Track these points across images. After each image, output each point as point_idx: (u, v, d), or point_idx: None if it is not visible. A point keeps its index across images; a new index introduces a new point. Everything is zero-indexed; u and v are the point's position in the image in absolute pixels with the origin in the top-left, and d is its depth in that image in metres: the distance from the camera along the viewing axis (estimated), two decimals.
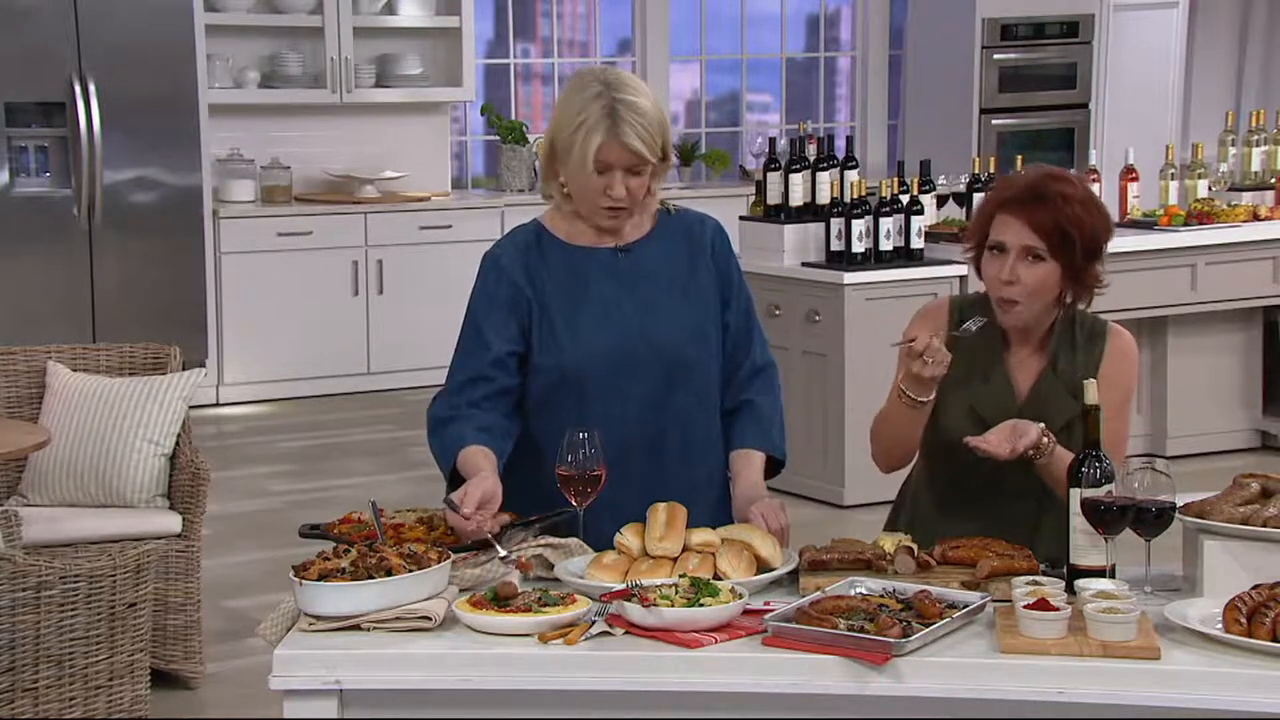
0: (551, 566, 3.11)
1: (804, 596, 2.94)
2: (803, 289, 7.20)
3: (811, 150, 7.44)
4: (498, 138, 10.42)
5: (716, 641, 2.78)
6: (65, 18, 8.53)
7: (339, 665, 2.78)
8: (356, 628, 2.85)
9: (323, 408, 9.30)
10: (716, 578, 3.00)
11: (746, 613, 2.86)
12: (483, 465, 3.21)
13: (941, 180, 7.59)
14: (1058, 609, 2.77)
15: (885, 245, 7.14)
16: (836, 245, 7.14)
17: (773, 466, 3.46)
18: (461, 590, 3.00)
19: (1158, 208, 7.84)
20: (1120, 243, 7.31)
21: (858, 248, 7.09)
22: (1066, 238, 3.32)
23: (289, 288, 9.40)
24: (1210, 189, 7.99)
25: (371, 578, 2.86)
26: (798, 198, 7.32)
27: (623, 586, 2.89)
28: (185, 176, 8.94)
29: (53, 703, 4.03)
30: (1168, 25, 10.84)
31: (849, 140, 8.42)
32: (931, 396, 3.31)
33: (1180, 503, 3.03)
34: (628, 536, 3.11)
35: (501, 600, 2.86)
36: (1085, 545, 3.01)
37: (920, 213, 7.21)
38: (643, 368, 3.35)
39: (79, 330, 8.51)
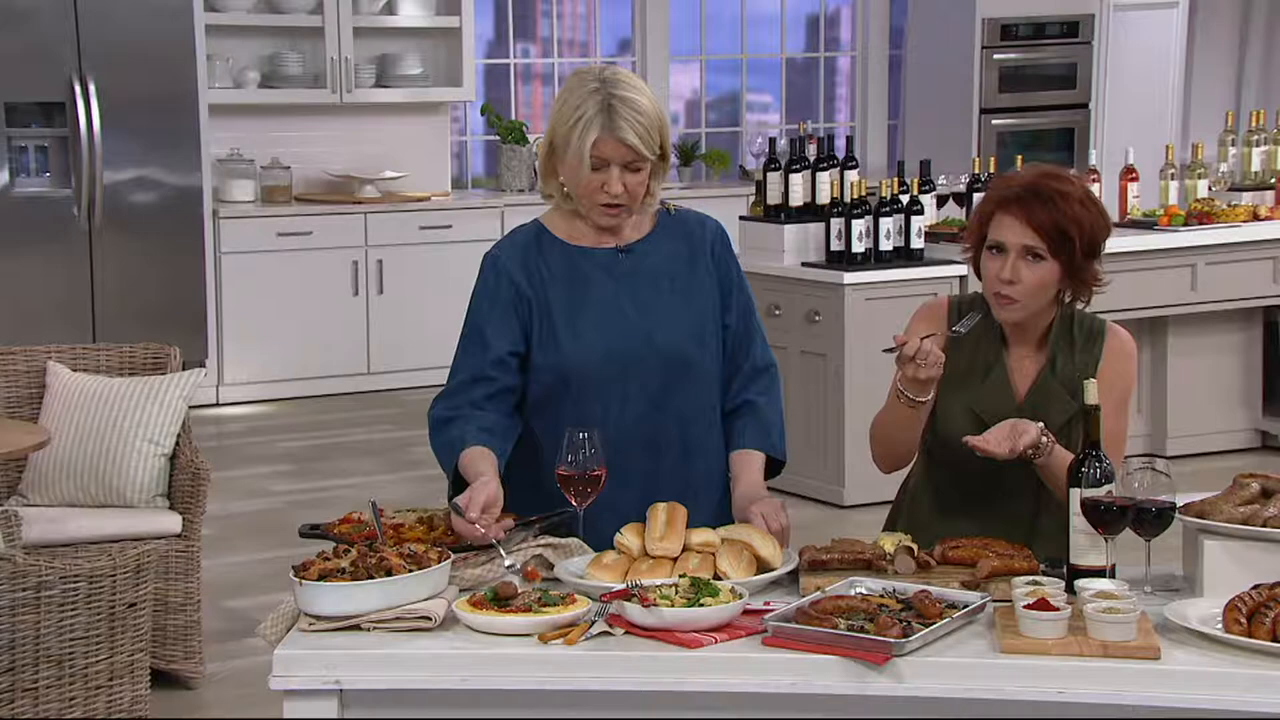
0: (551, 566, 3.11)
1: (804, 596, 2.94)
2: (803, 289, 7.20)
3: (811, 150, 7.44)
4: (498, 138, 10.42)
5: (716, 641, 2.78)
6: (65, 18, 8.53)
7: (339, 665, 2.78)
8: (356, 628, 2.85)
9: (323, 408, 9.30)
10: (716, 578, 3.00)
11: (746, 613, 2.86)
12: (484, 468, 3.21)
13: (941, 180, 7.59)
14: (1058, 609, 2.77)
15: (885, 245, 7.14)
16: (836, 245, 7.14)
17: (773, 467, 3.46)
18: (461, 590, 3.00)
19: (1158, 208, 7.84)
20: (1120, 243, 7.32)
21: (858, 248, 7.09)
22: (1065, 236, 3.32)
23: (289, 288, 9.40)
24: (1210, 189, 7.99)
25: (371, 578, 2.86)
26: (798, 198, 7.32)
27: (623, 586, 2.89)
28: (185, 176, 8.94)
29: (53, 703, 4.03)
30: (1168, 25, 10.85)
31: (849, 140, 8.42)
32: (930, 396, 3.31)
33: (1180, 503, 3.03)
34: (628, 536, 3.12)
35: (501, 600, 2.86)
36: (1085, 545, 3.01)
37: (920, 213, 7.21)
38: (643, 368, 3.35)
39: (79, 330, 8.51)
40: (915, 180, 7.35)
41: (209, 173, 9.13)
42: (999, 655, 2.74)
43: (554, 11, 11.04)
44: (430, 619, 2.85)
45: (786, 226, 7.30)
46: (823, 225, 7.22)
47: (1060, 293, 3.41)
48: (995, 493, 3.42)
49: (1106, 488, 2.98)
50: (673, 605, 2.81)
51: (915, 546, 3.13)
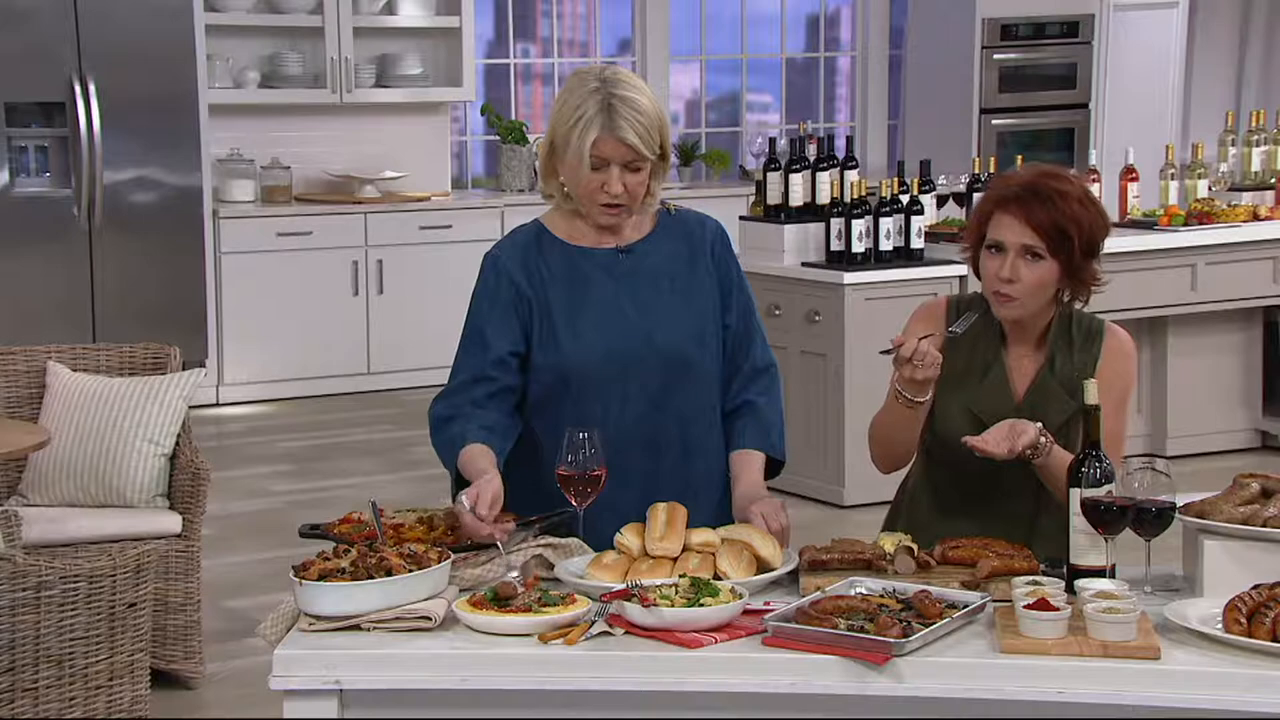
0: (551, 566, 3.11)
1: (804, 596, 2.94)
2: (803, 289, 7.20)
3: (811, 150, 7.44)
4: (498, 138, 10.42)
5: (716, 641, 2.78)
6: (65, 18, 8.53)
7: (339, 665, 2.78)
8: (356, 628, 2.85)
9: (323, 408, 9.30)
10: (716, 578, 3.00)
11: (746, 613, 2.86)
12: (485, 465, 3.22)
13: (941, 180, 7.59)
14: (1058, 609, 2.77)
15: (885, 245, 7.14)
16: (836, 245, 7.14)
17: (772, 467, 3.46)
18: (461, 590, 3.00)
19: (1158, 208, 7.84)
20: (1120, 243, 7.32)
21: (858, 248, 7.09)
22: (1064, 236, 3.32)
23: (289, 288, 9.40)
24: (1210, 189, 7.99)
25: (371, 578, 2.86)
26: (798, 198, 7.32)
27: (623, 586, 2.89)
28: (185, 176, 8.94)
29: (53, 703, 4.03)
30: (1168, 25, 10.85)
31: (849, 140, 8.42)
32: (928, 397, 3.31)
33: (1180, 503, 3.03)
34: (628, 536, 3.12)
35: (501, 600, 2.86)
36: (1085, 545, 3.01)
37: (920, 213, 7.21)
38: (643, 368, 3.35)
39: (79, 330, 8.51)
40: (915, 180, 7.35)
41: (209, 173, 9.13)
42: (999, 655, 2.74)
43: (554, 11, 11.04)
44: (430, 619, 2.85)
45: (786, 226, 7.30)
46: (823, 225, 7.22)
47: (1059, 292, 3.41)
48: (994, 493, 3.42)
49: (1106, 488, 2.98)
50: (673, 605, 2.81)
51: (915, 546, 3.14)
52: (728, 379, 3.46)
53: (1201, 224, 7.67)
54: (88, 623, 4.06)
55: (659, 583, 2.92)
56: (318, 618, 2.86)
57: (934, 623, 2.77)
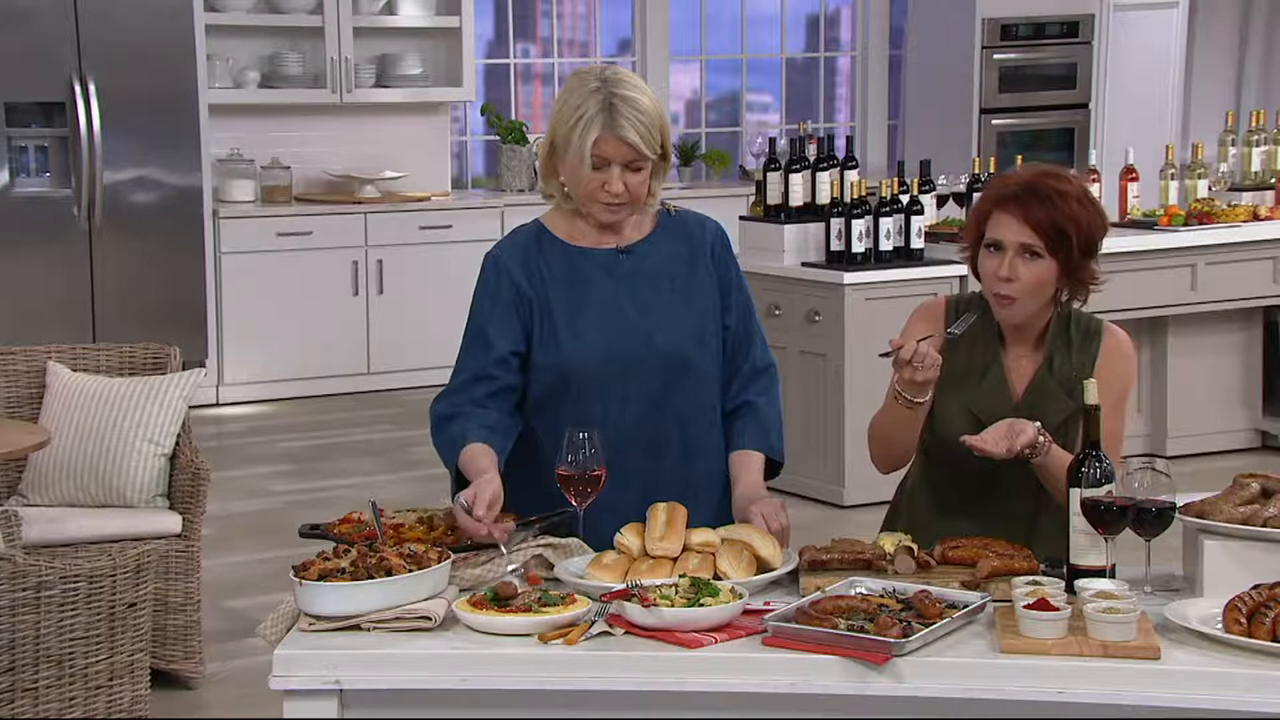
0: (551, 566, 3.11)
1: (804, 596, 2.94)
2: (803, 289, 7.20)
3: (811, 150, 7.44)
4: (498, 138, 10.42)
5: (716, 641, 2.78)
6: (65, 18, 8.53)
7: (339, 665, 2.78)
8: (356, 628, 2.85)
9: (323, 408, 9.30)
10: (716, 578, 3.00)
11: (746, 613, 2.86)
12: (485, 465, 3.22)
13: (941, 180, 7.59)
14: (1058, 609, 2.77)
15: (885, 245, 7.14)
16: (836, 245, 7.14)
17: (771, 468, 3.47)
18: (461, 590, 3.00)
19: (1158, 208, 7.84)
20: (1120, 243, 7.32)
21: (858, 248, 7.09)
22: (1063, 235, 3.33)
23: (289, 288, 9.40)
24: (1210, 189, 7.99)
25: (371, 578, 2.86)
26: (798, 198, 7.32)
27: (623, 586, 2.89)
28: (185, 176, 8.94)
29: (53, 703, 4.03)
30: (1168, 25, 10.85)
31: (849, 140, 8.42)
32: (928, 397, 3.31)
33: (1180, 503, 3.03)
34: (628, 536, 3.12)
35: (501, 600, 2.86)
36: (1085, 545, 3.01)
37: (920, 213, 7.21)
38: (643, 368, 3.35)
39: (79, 330, 8.51)
40: (915, 180, 7.35)
41: (209, 173, 9.13)
42: (999, 655, 2.74)
43: (554, 11, 11.04)
44: (430, 619, 2.85)
45: (786, 226, 7.30)
46: (823, 225, 7.21)
47: (1058, 292, 3.41)
48: (993, 492, 3.42)
49: (1106, 488, 2.98)
50: (673, 605, 2.81)
51: (915, 546, 3.14)
52: (727, 379, 3.47)
53: (1201, 224, 7.67)
54: (88, 623, 4.06)
55: (659, 583, 2.92)
56: (318, 618, 2.86)
57: (934, 623, 2.77)
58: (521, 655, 2.77)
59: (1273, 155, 8.15)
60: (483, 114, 10.57)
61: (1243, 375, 8.07)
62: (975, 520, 3.38)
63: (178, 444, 5.28)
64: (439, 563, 2.93)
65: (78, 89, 8.57)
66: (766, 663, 2.74)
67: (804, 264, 7.24)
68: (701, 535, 3.10)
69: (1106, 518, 2.97)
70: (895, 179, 7.28)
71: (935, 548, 3.16)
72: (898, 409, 3.33)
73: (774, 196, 7.36)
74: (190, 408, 5.34)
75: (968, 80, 10.45)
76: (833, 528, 5.57)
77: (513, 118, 10.63)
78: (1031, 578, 2.93)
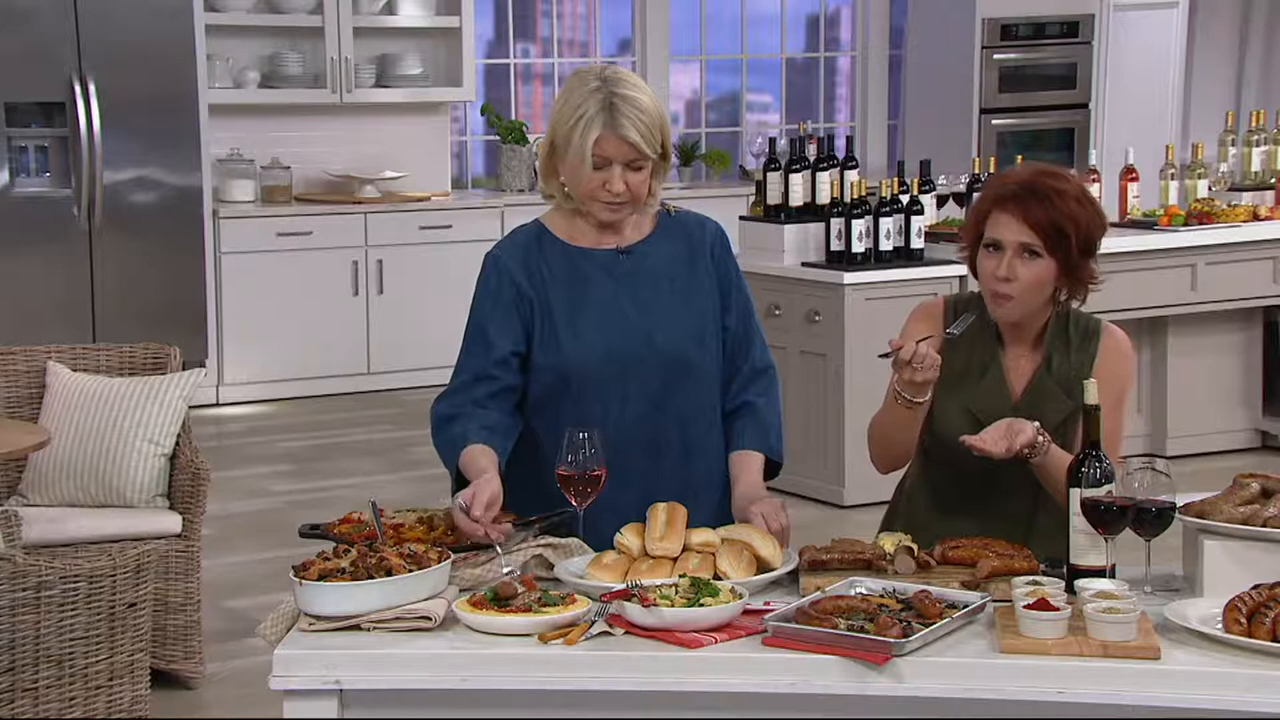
0: (551, 566, 3.11)
1: (804, 596, 2.94)
2: (803, 289, 7.20)
3: (811, 150, 7.44)
4: (498, 138, 10.42)
5: (716, 641, 2.78)
6: (65, 18, 8.53)
7: (339, 665, 2.78)
8: (356, 628, 2.85)
9: (323, 408, 9.30)
10: (716, 578, 3.00)
11: (746, 613, 2.86)
12: (485, 466, 3.22)
13: (941, 180, 7.59)
14: (1058, 609, 2.77)
15: (885, 245, 7.14)
16: (836, 245, 7.14)
17: (771, 468, 3.47)
18: (461, 590, 3.00)
19: (1158, 208, 7.84)
20: (1120, 243, 7.32)
21: (858, 248, 7.09)
22: (1062, 234, 3.33)
23: (289, 288, 9.40)
24: (1210, 189, 7.99)
25: (371, 578, 2.86)
26: (798, 198, 7.32)
27: (623, 586, 2.89)
28: (185, 176, 8.94)
29: (53, 703, 4.03)
30: (1168, 25, 10.85)
31: (849, 140, 8.42)
32: (927, 397, 3.31)
33: (1180, 503, 3.03)
34: (628, 536, 3.12)
35: (501, 600, 2.86)
36: (1085, 545, 3.01)
37: (920, 213, 7.21)
38: (643, 368, 3.35)
39: (79, 330, 8.51)
40: (915, 180, 7.35)
41: (209, 173, 9.13)
42: (999, 655, 2.74)
43: (554, 11, 11.04)
44: (430, 619, 2.85)
45: (786, 226, 7.30)
46: (823, 225, 7.21)
47: (1056, 291, 3.41)
48: (992, 492, 3.42)
49: (1106, 488, 2.98)
50: (673, 605, 2.81)
51: (915, 546, 3.14)
52: (727, 380, 3.47)
53: (1201, 224, 7.67)
54: (88, 623, 4.06)
55: (659, 583, 2.92)
56: (318, 618, 2.86)
57: (934, 623, 2.77)
58: (521, 655, 2.77)
59: (1273, 155, 8.15)
60: (483, 114, 10.58)
61: (1243, 375, 8.07)
62: (974, 520, 3.38)
63: (178, 444, 5.28)
64: (439, 563, 2.93)
65: (78, 89, 8.57)
66: (766, 663, 2.74)
67: (804, 264, 7.24)
68: (701, 535, 3.10)
69: (1106, 518, 2.97)
70: (895, 179, 7.28)
71: (935, 548, 3.16)
72: (897, 409, 3.34)
73: (774, 196, 7.36)
74: (190, 408, 5.34)
75: (968, 80, 10.45)
76: (833, 528, 5.57)
77: (513, 118, 10.63)
78: (1031, 578, 2.93)
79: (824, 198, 7.29)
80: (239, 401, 9.33)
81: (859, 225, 7.08)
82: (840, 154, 7.44)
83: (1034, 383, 3.44)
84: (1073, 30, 10.63)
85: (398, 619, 2.85)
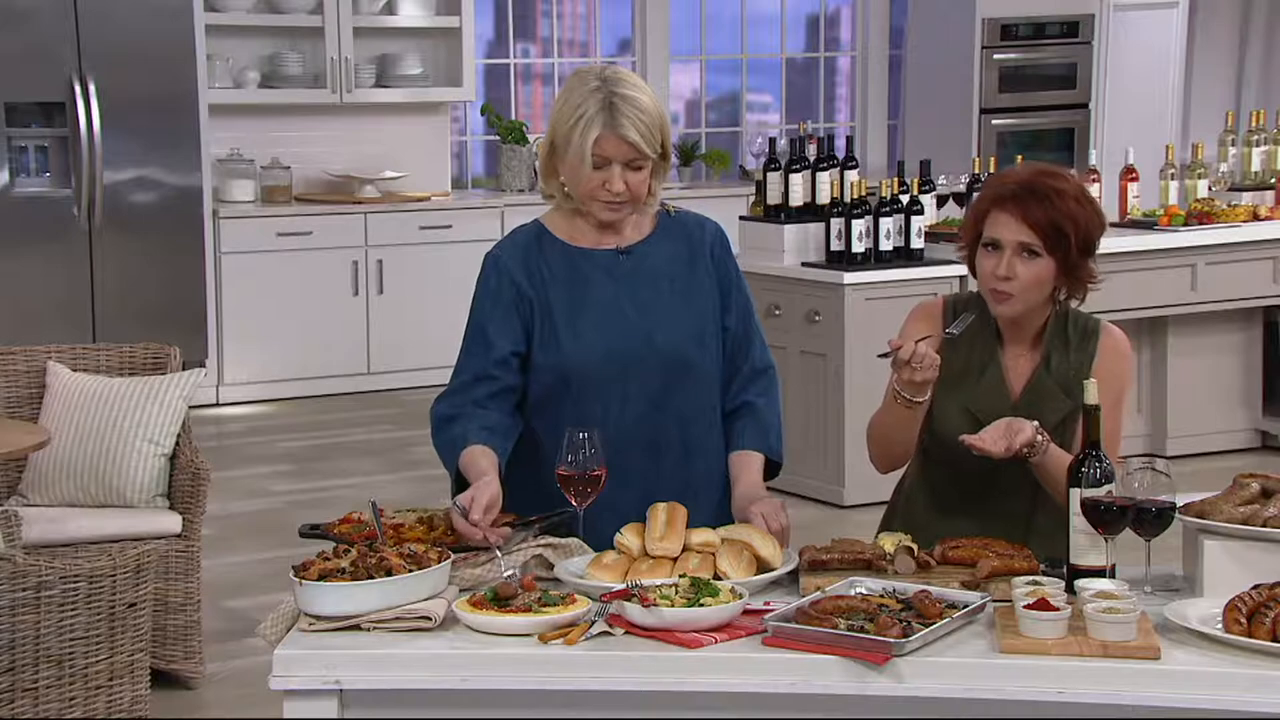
0: (551, 566, 3.11)
1: (804, 596, 2.94)
2: (803, 289, 7.20)
3: (811, 150, 7.44)
4: (498, 138, 10.42)
5: (716, 641, 2.78)
6: (65, 18, 8.53)
7: (339, 665, 2.78)
8: (356, 628, 2.85)
9: (323, 408, 9.30)
10: (716, 578, 3.00)
11: (746, 613, 2.86)
12: (485, 467, 3.22)
13: (941, 180, 7.59)
14: (1058, 609, 2.77)
15: (885, 245, 7.14)
16: (836, 245, 7.14)
17: (770, 468, 3.47)
18: (461, 590, 3.00)
19: (1158, 208, 7.84)
20: (1120, 243, 7.32)
21: (858, 248, 7.09)
22: (1061, 233, 3.33)
23: (289, 288, 9.40)
24: (1210, 189, 7.99)
25: (371, 578, 2.86)
26: (798, 198, 7.32)
27: (623, 586, 2.89)
28: (185, 176, 8.94)
29: (53, 703, 4.03)
30: (1168, 25, 10.85)
31: (849, 140, 8.42)
32: (927, 397, 3.31)
33: (1180, 503, 3.03)
34: (628, 536, 3.12)
35: (501, 600, 2.86)
36: (1085, 545, 3.01)
37: (920, 213, 7.21)
38: (643, 369, 3.35)
39: (79, 330, 8.51)
40: (915, 180, 7.35)
41: (209, 173, 9.13)
42: (999, 655, 2.74)
43: (554, 11, 11.04)
44: (430, 619, 2.85)
45: (786, 226, 7.30)
46: (823, 225, 7.21)
47: (1055, 291, 3.41)
48: (991, 491, 3.42)
49: (1106, 488, 2.98)
50: (673, 605, 2.81)
51: (915, 546, 3.14)
52: (727, 380, 3.47)
53: (1201, 224, 7.67)
54: (88, 623, 4.06)
55: (659, 583, 2.92)
56: (318, 618, 2.86)
57: (934, 623, 2.77)
58: (521, 655, 2.77)
59: (1273, 155, 8.15)
60: (483, 114, 10.58)
61: (1243, 375, 8.07)
62: (973, 519, 3.38)
63: (178, 444, 5.28)
64: (439, 563, 2.93)
65: (78, 89, 8.57)
66: (766, 663, 2.74)
67: (804, 264, 7.24)
68: (701, 535, 3.10)
69: (1106, 518, 2.97)
70: (895, 179, 7.28)
71: (935, 548, 3.16)
72: (897, 409, 3.34)
73: (774, 196, 7.36)
74: (190, 408, 5.34)
75: (968, 80, 10.45)
76: (833, 528, 5.57)
77: (513, 118, 10.63)
78: (1031, 578, 2.93)
79: (824, 198, 7.29)
80: (239, 401, 9.33)
81: (859, 225, 7.08)
82: (840, 154, 7.44)
83: (1033, 382, 3.44)
84: (1073, 30, 10.63)
85: (398, 619, 2.85)
